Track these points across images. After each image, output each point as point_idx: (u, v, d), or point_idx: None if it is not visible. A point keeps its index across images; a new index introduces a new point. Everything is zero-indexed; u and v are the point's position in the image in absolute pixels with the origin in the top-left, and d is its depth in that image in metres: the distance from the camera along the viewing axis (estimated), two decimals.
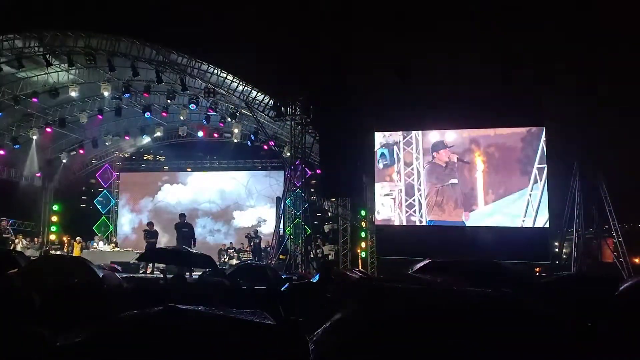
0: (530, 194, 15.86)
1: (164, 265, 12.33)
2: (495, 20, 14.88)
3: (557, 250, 17.01)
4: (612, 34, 13.71)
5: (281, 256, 18.56)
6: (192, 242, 15.95)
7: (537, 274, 14.84)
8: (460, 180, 16.57)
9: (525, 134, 16.23)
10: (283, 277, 10.61)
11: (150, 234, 17.92)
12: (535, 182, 15.83)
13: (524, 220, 15.92)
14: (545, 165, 15.74)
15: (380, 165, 17.49)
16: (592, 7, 14.03)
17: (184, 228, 16.42)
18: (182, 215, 17.22)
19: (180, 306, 2.28)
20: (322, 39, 16.85)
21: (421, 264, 5.71)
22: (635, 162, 15.37)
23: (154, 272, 15.63)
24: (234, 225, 25.00)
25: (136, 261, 15.74)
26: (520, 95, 15.63)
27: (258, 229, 22.47)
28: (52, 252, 20.70)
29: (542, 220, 15.72)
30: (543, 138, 15.78)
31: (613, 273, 13.68)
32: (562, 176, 15.59)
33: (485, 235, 15.59)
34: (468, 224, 16.38)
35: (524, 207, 15.92)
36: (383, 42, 16.26)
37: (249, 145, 23.28)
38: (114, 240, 23.69)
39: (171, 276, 9.83)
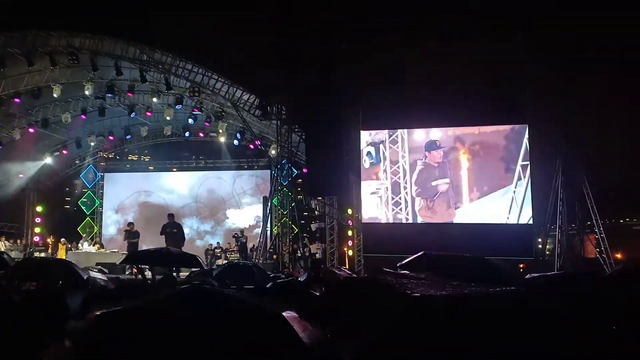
0: (515, 191, 16.06)
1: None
2: (479, 19, 15.01)
3: (540, 246, 17.23)
4: (594, 31, 13.92)
5: (274, 256, 18.58)
6: (182, 242, 15.91)
7: (521, 270, 15.04)
8: (445, 175, 16.72)
9: (508, 132, 16.42)
10: (271, 276, 10.61)
11: (131, 234, 17.84)
12: (519, 179, 16.03)
13: (508, 217, 16.11)
14: (529, 162, 15.95)
15: (367, 164, 17.56)
16: (573, 6, 14.23)
17: (172, 229, 16.36)
18: (170, 216, 17.14)
19: (206, 286, 2.42)
20: (307, 37, 16.86)
21: (413, 257, 5.63)
22: (617, 158, 15.65)
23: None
24: (221, 225, 24.94)
25: (121, 264, 15.63)
26: (503, 93, 15.81)
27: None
28: (37, 254, 20.49)
29: (526, 216, 15.92)
30: (526, 135, 15.99)
31: (597, 268, 13.92)
32: (545, 173, 15.80)
33: (470, 232, 15.76)
34: (454, 221, 16.54)
35: (508, 204, 16.12)
36: (368, 40, 16.30)
37: (236, 144, 23.24)
38: (99, 241, 23.49)
39: (159, 277, 9.81)
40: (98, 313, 2.23)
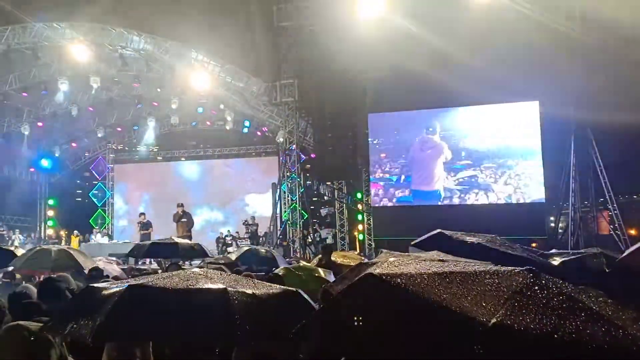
0: (527, 170, 15.89)
1: None
2: None
3: (553, 224, 17.09)
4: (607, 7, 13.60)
5: (285, 242, 18.63)
6: (191, 230, 16.00)
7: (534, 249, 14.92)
8: (454, 157, 16.59)
9: (519, 109, 16.20)
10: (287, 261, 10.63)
11: (143, 225, 17.90)
12: (531, 157, 15.86)
13: (520, 196, 15.97)
14: (540, 140, 15.74)
15: (375, 147, 17.46)
16: None
17: (182, 218, 16.41)
18: (179, 205, 17.16)
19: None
20: (311, 21, 16.66)
21: (427, 236, 5.42)
22: (630, 134, 15.37)
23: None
24: (232, 213, 24.98)
25: (127, 257, 15.69)
26: (513, 70, 15.54)
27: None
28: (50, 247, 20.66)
29: (538, 195, 15.77)
30: (537, 112, 15.77)
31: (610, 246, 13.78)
32: (557, 150, 15.60)
33: (481, 212, 15.66)
34: (465, 202, 16.42)
35: (520, 183, 15.97)
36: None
37: (245, 132, 23.20)
38: (108, 232, 23.67)
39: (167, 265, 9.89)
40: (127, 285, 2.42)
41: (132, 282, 2.61)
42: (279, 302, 2.44)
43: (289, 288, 2.66)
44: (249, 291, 2.42)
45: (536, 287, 1.94)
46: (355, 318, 1.92)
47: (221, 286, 2.37)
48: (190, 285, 2.40)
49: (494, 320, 1.78)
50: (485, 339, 1.75)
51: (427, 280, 1.99)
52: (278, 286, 2.63)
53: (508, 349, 1.74)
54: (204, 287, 2.40)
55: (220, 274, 2.70)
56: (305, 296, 2.57)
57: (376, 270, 2.12)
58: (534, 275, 2.02)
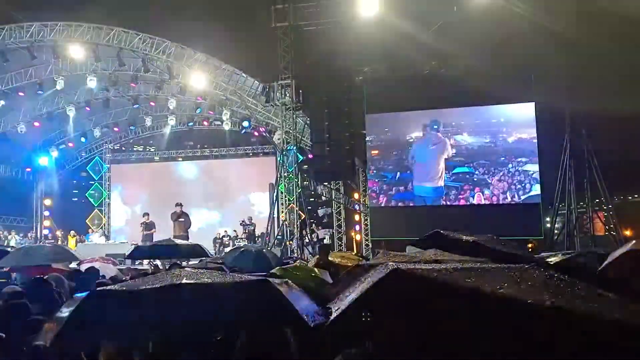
0: (522, 170, 15.96)
1: None
2: None
3: (549, 225, 17.14)
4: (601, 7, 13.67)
5: (283, 243, 18.60)
6: (188, 230, 16.00)
7: (530, 249, 14.96)
8: (451, 156, 16.66)
9: (514, 110, 16.27)
10: (284, 261, 10.59)
11: (147, 226, 17.85)
12: (527, 157, 15.92)
13: (515, 196, 16.03)
14: (536, 140, 15.80)
15: (371, 147, 17.50)
16: None
17: (180, 218, 16.39)
18: (178, 205, 17.12)
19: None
20: (309, 21, 16.68)
21: (424, 236, 5.47)
22: (626, 135, 15.47)
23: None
24: (229, 213, 24.96)
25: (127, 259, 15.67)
26: (509, 71, 15.61)
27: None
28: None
29: (534, 195, 15.83)
30: (533, 113, 15.83)
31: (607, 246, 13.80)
32: (553, 151, 15.65)
33: (477, 212, 15.71)
34: (461, 200, 16.47)
35: (515, 183, 16.02)
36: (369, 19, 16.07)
37: (242, 132, 23.16)
38: (106, 233, 23.62)
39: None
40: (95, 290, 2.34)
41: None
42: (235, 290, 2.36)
43: (256, 278, 2.58)
44: (206, 280, 2.35)
45: (555, 280, 1.97)
46: (389, 314, 1.96)
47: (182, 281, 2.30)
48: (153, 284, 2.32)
49: (547, 303, 1.79)
50: (544, 319, 1.76)
51: (452, 275, 2.01)
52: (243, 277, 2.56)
53: (568, 331, 1.75)
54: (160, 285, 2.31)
55: (196, 273, 2.60)
56: (276, 282, 2.46)
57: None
58: (545, 269, 2.06)
